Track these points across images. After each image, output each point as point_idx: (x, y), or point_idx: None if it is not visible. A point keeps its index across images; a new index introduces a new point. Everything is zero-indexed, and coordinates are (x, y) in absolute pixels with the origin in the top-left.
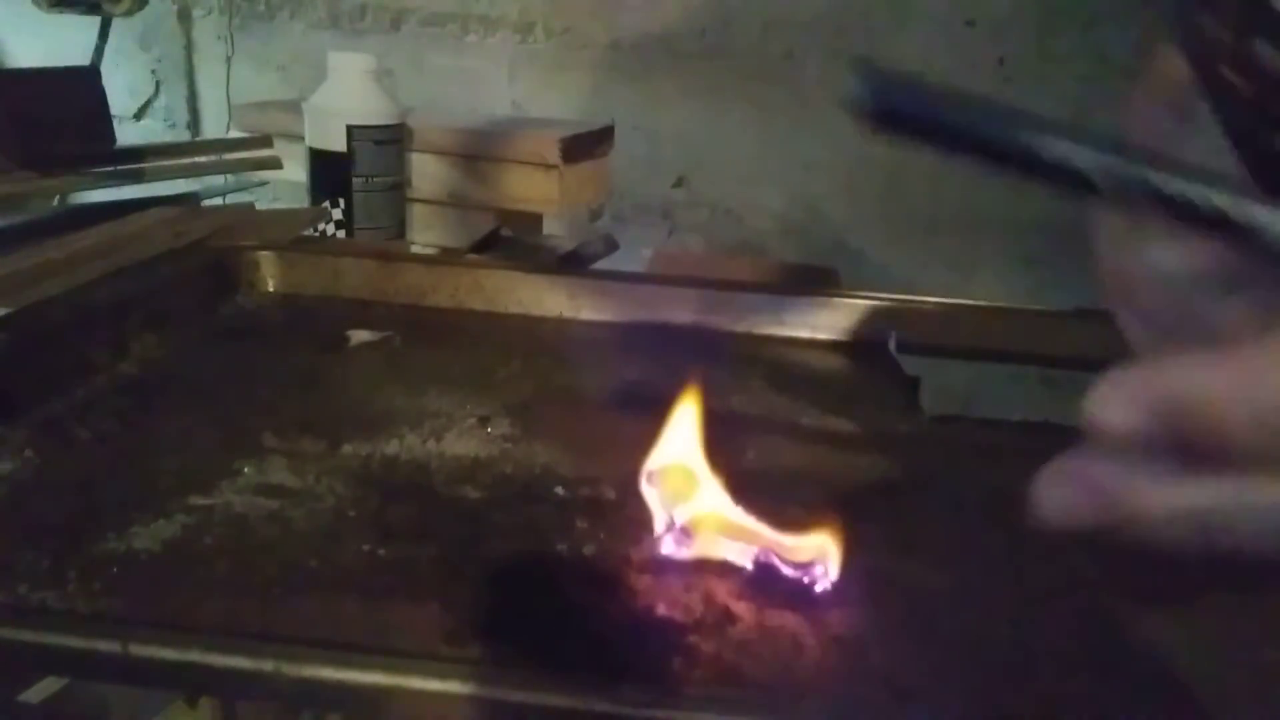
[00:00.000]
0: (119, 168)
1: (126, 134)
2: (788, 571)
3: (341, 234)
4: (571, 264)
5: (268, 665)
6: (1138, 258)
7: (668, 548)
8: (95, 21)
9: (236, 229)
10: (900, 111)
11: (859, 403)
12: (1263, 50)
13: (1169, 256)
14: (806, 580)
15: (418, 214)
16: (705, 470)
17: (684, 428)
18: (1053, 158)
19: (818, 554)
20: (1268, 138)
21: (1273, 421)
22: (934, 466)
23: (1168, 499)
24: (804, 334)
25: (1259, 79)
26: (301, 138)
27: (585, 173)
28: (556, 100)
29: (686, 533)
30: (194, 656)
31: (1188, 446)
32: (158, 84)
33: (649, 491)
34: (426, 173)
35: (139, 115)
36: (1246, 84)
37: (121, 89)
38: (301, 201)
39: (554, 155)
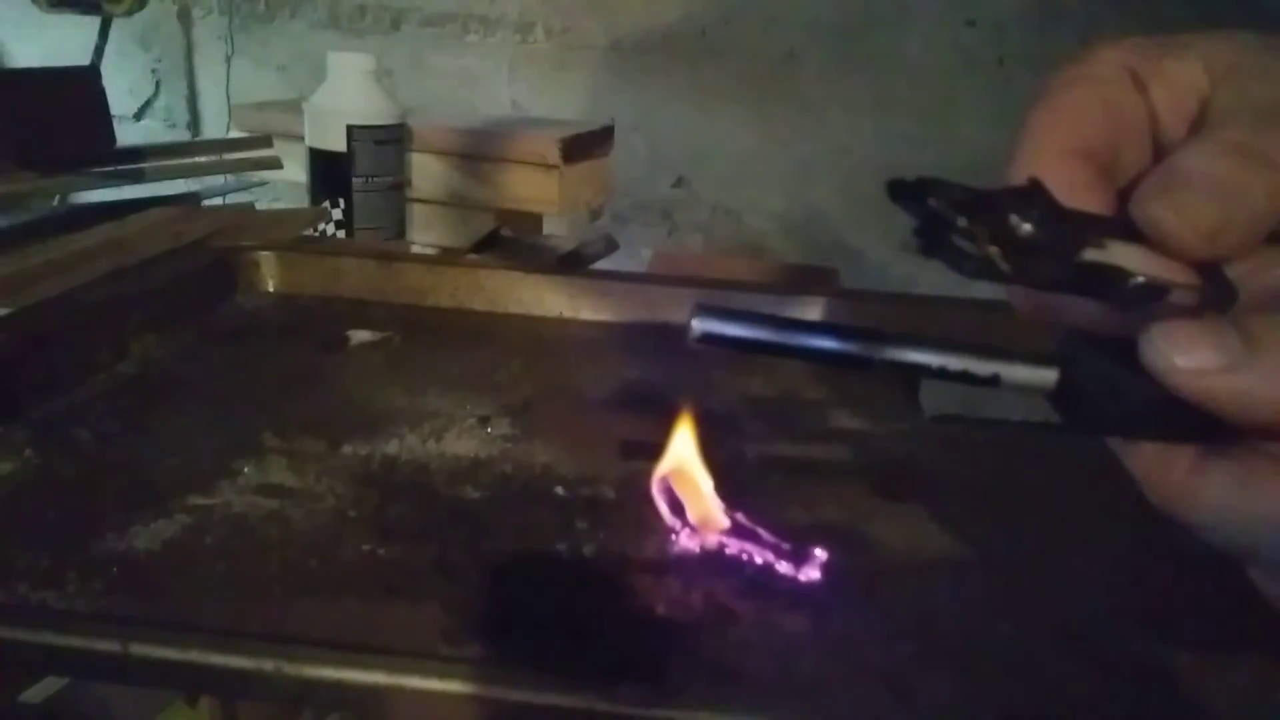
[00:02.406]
0: (119, 168)
1: (126, 134)
2: (781, 568)
3: (341, 234)
4: (571, 264)
5: (268, 665)
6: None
7: (682, 544)
8: (95, 21)
9: (236, 229)
10: (723, 335)
11: (859, 403)
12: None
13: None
14: (801, 578)
15: (418, 214)
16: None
17: (686, 437)
18: (829, 351)
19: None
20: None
21: None
22: (934, 466)
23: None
24: None
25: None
26: (301, 138)
27: (585, 173)
28: (556, 100)
29: (695, 528)
30: (194, 656)
31: None
32: (158, 84)
33: (659, 495)
34: (426, 173)
35: (139, 115)
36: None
37: (121, 89)
38: (301, 201)
39: (554, 155)
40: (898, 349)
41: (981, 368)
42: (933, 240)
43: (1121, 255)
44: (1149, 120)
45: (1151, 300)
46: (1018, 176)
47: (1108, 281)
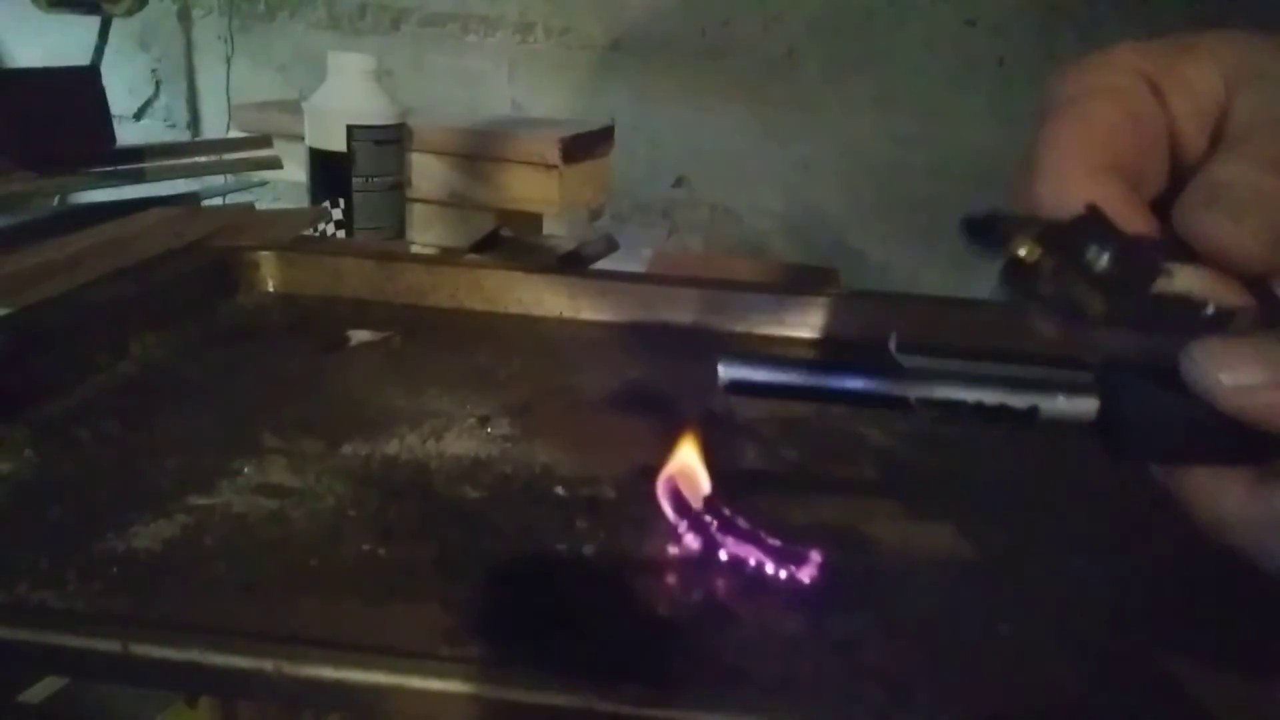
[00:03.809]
0: (119, 168)
1: (126, 134)
2: (771, 568)
3: (341, 234)
4: (571, 264)
5: (268, 665)
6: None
7: (682, 544)
8: (95, 21)
9: (236, 229)
10: (751, 381)
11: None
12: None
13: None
14: (801, 578)
15: (418, 214)
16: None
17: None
18: (862, 393)
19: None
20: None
21: None
22: (934, 466)
23: None
24: (804, 334)
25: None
26: (301, 138)
27: (585, 173)
28: (556, 100)
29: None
30: (194, 656)
31: None
32: (158, 84)
33: (663, 497)
34: (426, 173)
35: (139, 115)
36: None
37: (121, 89)
38: (301, 201)
39: (554, 155)
40: (931, 386)
41: (1019, 401)
42: (1021, 287)
43: (1186, 280)
44: (1167, 130)
45: (1221, 327)
46: (1046, 194)
47: (1182, 313)
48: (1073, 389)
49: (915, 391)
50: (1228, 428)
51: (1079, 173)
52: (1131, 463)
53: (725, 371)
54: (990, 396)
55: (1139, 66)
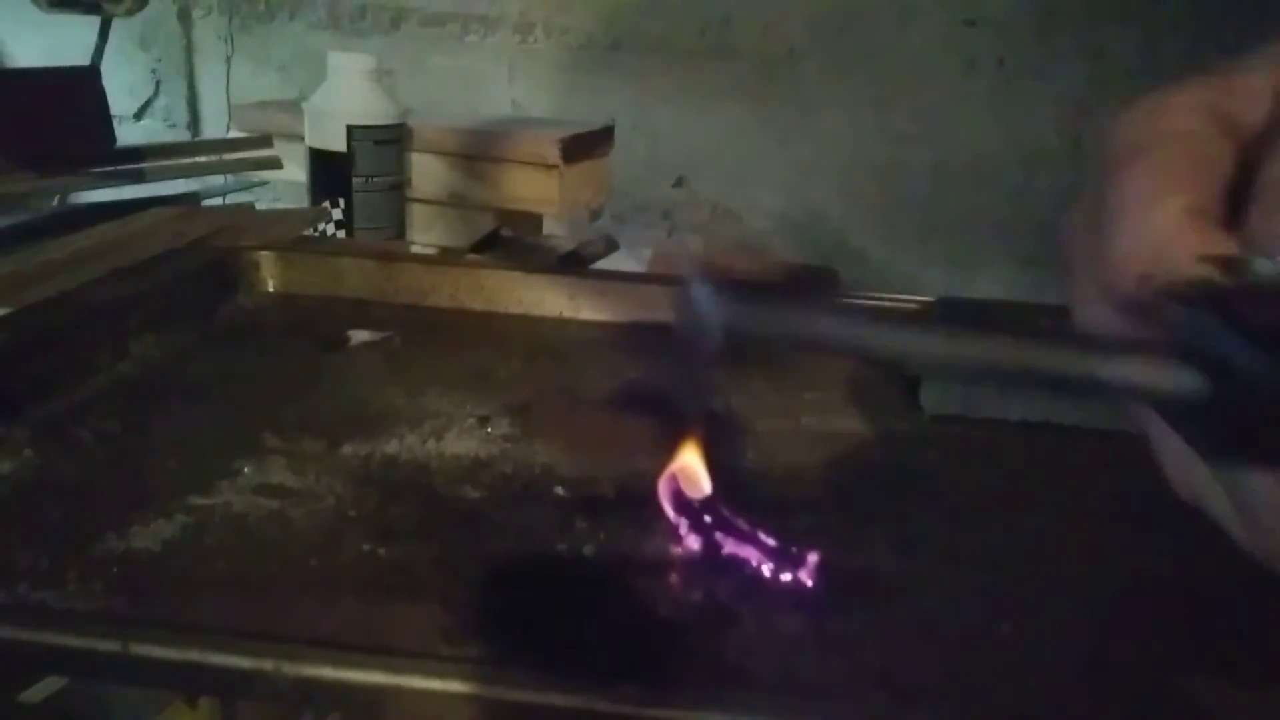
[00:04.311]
0: (119, 168)
1: (126, 134)
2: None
3: (341, 234)
4: (571, 264)
5: (268, 665)
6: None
7: (681, 544)
8: (95, 21)
9: (236, 229)
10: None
11: (859, 403)
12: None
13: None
14: (801, 578)
15: (418, 214)
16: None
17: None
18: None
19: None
20: None
21: None
22: (934, 466)
23: None
24: None
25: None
26: (301, 138)
27: (585, 173)
28: (556, 100)
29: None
30: (194, 656)
31: None
32: (158, 84)
33: (665, 498)
34: (426, 173)
35: (139, 115)
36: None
37: (121, 89)
38: (301, 201)
39: (554, 155)
40: (982, 349)
41: (1082, 367)
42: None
43: None
44: (1234, 164)
45: None
46: (1138, 249)
47: None
48: (1161, 356)
49: (955, 353)
50: None
51: (1176, 223)
52: (1230, 463)
53: (700, 309)
54: (1045, 361)
55: (1200, 103)
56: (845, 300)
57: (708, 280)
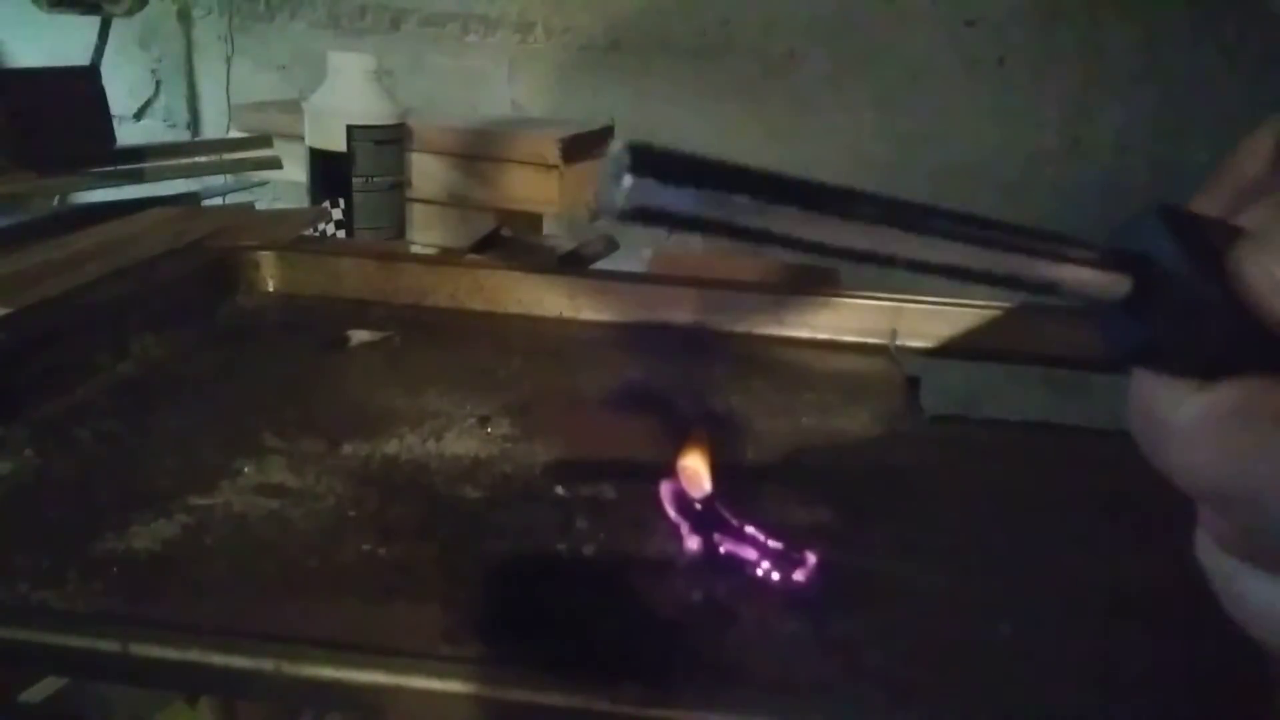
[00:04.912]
0: (119, 168)
1: (126, 134)
2: (763, 567)
3: (341, 234)
4: (571, 264)
5: (268, 665)
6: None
7: (681, 544)
8: (95, 21)
9: (236, 229)
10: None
11: (859, 403)
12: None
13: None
14: (800, 579)
15: (418, 214)
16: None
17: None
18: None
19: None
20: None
21: None
22: (934, 466)
23: None
24: (804, 334)
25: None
26: (301, 138)
27: (585, 173)
28: (556, 100)
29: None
30: (194, 656)
31: None
32: (158, 84)
33: (665, 497)
34: (426, 173)
35: (139, 115)
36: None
37: (121, 89)
38: (301, 201)
39: (554, 155)
40: (932, 247)
41: (1034, 271)
42: None
43: None
44: None
45: None
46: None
47: None
48: (1102, 261)
49: (909, 251)
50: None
51: None
52: (1140, 361)
53: (630, 190)
54: (1000, 264)
55: None
56: (775, 180)
57: (630, 154)
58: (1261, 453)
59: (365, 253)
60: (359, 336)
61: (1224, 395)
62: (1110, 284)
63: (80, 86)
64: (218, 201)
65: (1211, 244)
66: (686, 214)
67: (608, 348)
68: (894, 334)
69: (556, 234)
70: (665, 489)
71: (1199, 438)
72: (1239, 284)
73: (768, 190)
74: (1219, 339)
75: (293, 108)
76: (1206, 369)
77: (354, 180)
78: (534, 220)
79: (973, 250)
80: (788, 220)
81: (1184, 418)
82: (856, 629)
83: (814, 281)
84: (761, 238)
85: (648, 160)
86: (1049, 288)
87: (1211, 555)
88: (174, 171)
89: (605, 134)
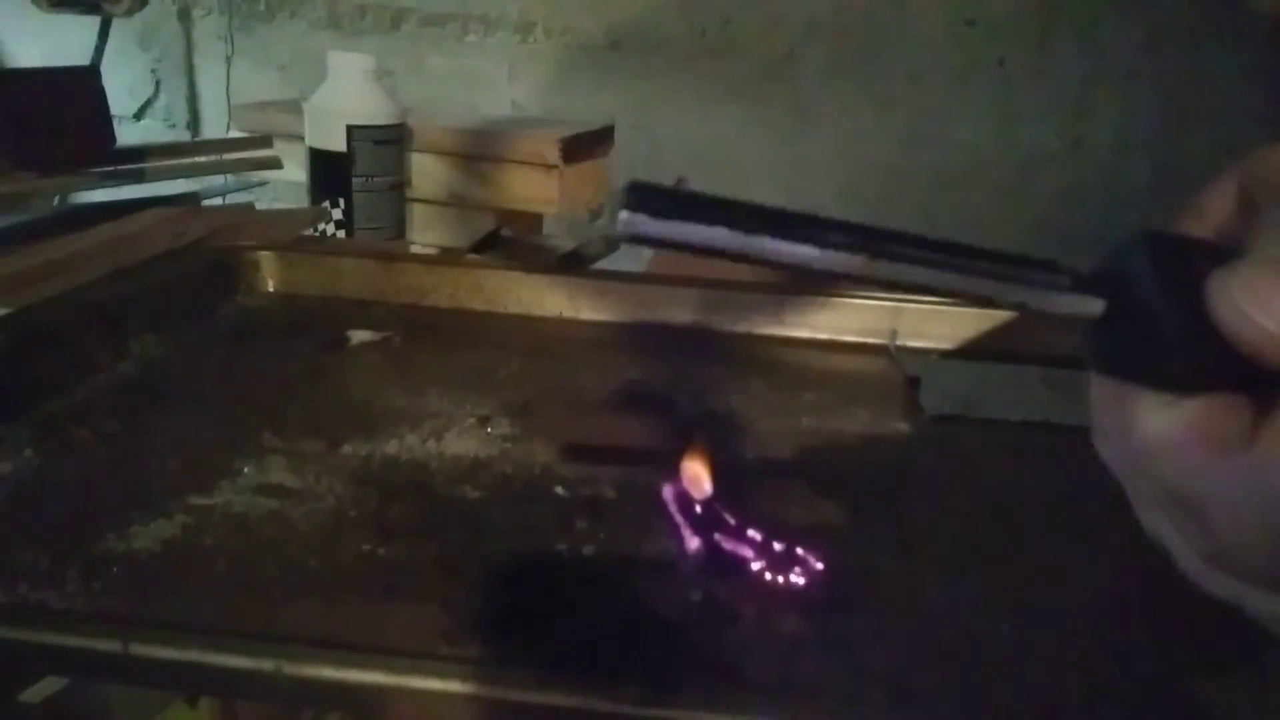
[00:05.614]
0: (119, 168)
1: (126, 134)
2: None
3: (341, 234)
4: (571, 264)
5: (268, 665)
6: (1132, 423)
7: (682, 544)
8: (95, 21)
9: (236, 229)
10: (657, 237)
11: (859, 403)
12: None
13: (1158, 420)
14: (800, 579)
15: (418, 214)
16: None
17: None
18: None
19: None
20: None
21: None
22: (934, 466)
23: None
24: (804, 334)
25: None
26: (301, 138)
27: (585, 173)
28: (556, 100)
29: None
30: (194, 656)
31: None
32: (158, 84)
33: (665, 497)
34: (426, 173)
35: (139, 115)
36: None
37: (121, 89)
38: (301, 201)
39: (554, 155)
40: (906, 271)
41: (1009, 295)
42: None
43: None
44: None
45: None
46: None
47: None
48: (1075, 286)
49: (886, 273)
50: (1234, 362)
51: None
52: (1122, 375)
53: (627, 220)
54: (972, 287)
55: None
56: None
57: (625, 192)
58: (1213, 470)
59: (365, 253)
60: (359, 336)
61: (1187, 413)
62: (1082, 305)
63: (80, 86)
64: (218, 201)
65: (1192, 272)
66: (675, 242)
67: (608, 348)
68: (894, 334)
69: (556, 234)
70: (666, 489)
71: (1160, 450)
72: (1213, 313)
73: (745, 223)
74: (1183, 363)
75: (293, 108)
76: (1177, 385)
77: (354, 180)
78: (534, 220)
79: (942, 275)
80: (766, 248)
81: (1150, 430)
82: (856, 629)
83: (814, 281)
84: (745, 260)
85: (641, 198)
86: (1020, 308)
87: (1155, 525)
88: (174, 171)
89: (605, 134)
